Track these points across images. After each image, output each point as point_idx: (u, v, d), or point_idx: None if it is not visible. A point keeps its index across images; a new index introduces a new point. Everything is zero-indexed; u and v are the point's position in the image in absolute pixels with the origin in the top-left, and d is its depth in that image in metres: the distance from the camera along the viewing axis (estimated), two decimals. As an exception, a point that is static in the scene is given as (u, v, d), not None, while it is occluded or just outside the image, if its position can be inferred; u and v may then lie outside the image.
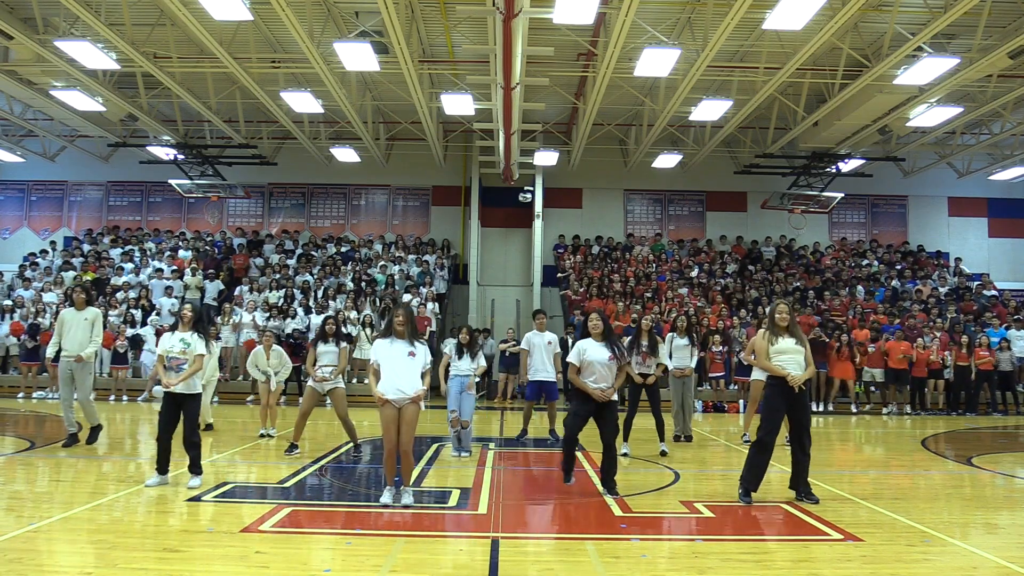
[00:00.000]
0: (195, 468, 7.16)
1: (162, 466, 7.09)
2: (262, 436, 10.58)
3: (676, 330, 10.78)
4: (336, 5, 13.79)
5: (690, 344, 10.70)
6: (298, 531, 5.78)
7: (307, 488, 7.45)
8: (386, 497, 6.51)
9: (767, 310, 7.82)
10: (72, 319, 9.08)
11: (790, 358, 6.85)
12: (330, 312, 16.20)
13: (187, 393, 7.14)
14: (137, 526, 5.82)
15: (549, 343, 10.37)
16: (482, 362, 9.54)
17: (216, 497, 6.75)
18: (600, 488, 7.10)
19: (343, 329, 10.25)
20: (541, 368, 10.32)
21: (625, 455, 9.33)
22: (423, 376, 6.55)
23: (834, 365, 16.17)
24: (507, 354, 16.73)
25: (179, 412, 7.13)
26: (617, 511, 6.46)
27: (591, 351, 7.08)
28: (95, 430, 9.28)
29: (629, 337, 9.74)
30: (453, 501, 6.85)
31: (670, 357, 10.54)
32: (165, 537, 5.44)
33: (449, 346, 9.99)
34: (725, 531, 6.00)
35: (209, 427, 11.19)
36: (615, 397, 7.10)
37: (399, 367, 6.46)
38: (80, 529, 5.58)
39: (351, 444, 9.61)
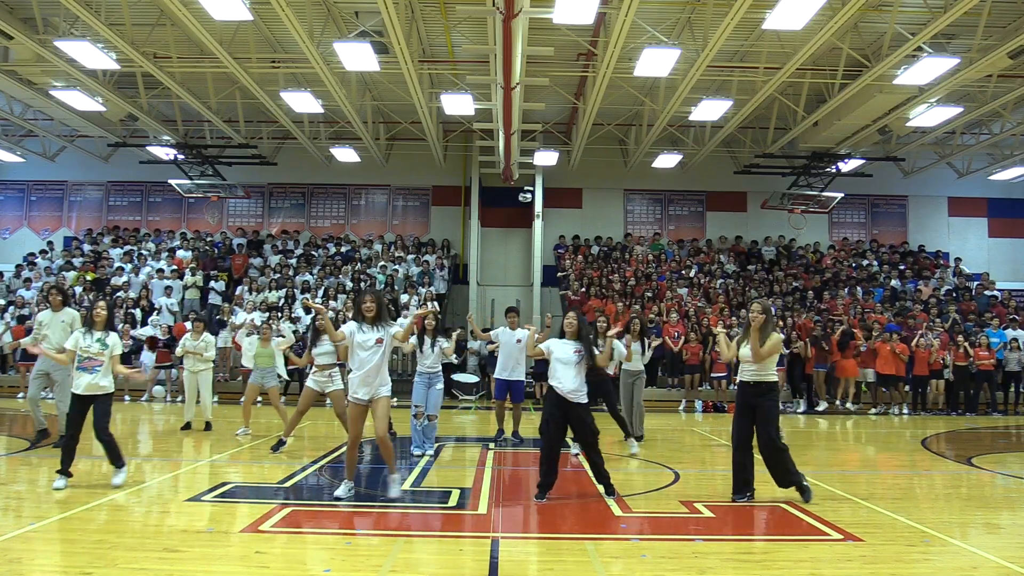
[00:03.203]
0: (116, 460, 6.96)
1: (64, 467, 6.85)
2: (237, 435, 10.62)
3: (629, 333, 10.55)
4: (336, 5, 13.79)
5: (642, 348, 10.56)
6: (298, 531, 5.78)
7: (307, 488, 7.45)
8: (340, 491, 6.61)
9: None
10: (49, 321, 8.99)
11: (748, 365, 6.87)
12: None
13: (97, 394, 6.88)
14: (137, 526, 5.82)
15: (518, 341, 10.10)
16: (444, 345, 9.32)
17: (216, 497, 6.75)
18: (600, 489, 7.11)
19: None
20: (508, 367, 10.22)
21: (633, 455, 9.38)
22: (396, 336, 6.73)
23: (840, 365, 15.96)
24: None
25: (86, 412, 6.88)
26: (617, 511, 6.46)
27: (557, 350, 6.91)
28: (62, 437, 9.17)
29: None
30: (453, 501, 6.85)
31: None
32: (165, 537, 5.43)
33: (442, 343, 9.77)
34: (725, 531, 6.00)
35: (208, 426, 11.23)
36: (584, 400, 6.84)
37: (366, 359, 6.51)
38: (80, 529, 5.58)
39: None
